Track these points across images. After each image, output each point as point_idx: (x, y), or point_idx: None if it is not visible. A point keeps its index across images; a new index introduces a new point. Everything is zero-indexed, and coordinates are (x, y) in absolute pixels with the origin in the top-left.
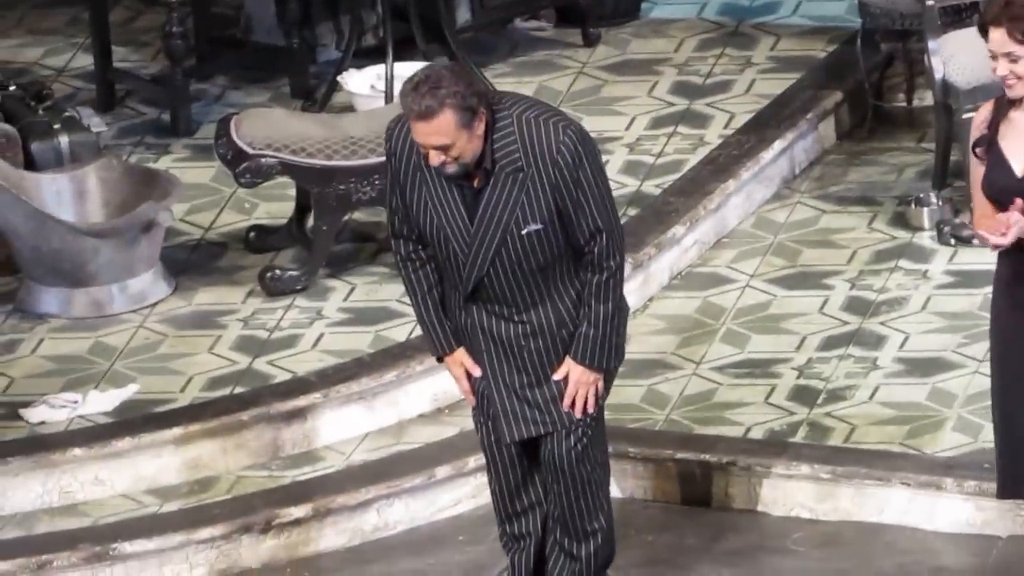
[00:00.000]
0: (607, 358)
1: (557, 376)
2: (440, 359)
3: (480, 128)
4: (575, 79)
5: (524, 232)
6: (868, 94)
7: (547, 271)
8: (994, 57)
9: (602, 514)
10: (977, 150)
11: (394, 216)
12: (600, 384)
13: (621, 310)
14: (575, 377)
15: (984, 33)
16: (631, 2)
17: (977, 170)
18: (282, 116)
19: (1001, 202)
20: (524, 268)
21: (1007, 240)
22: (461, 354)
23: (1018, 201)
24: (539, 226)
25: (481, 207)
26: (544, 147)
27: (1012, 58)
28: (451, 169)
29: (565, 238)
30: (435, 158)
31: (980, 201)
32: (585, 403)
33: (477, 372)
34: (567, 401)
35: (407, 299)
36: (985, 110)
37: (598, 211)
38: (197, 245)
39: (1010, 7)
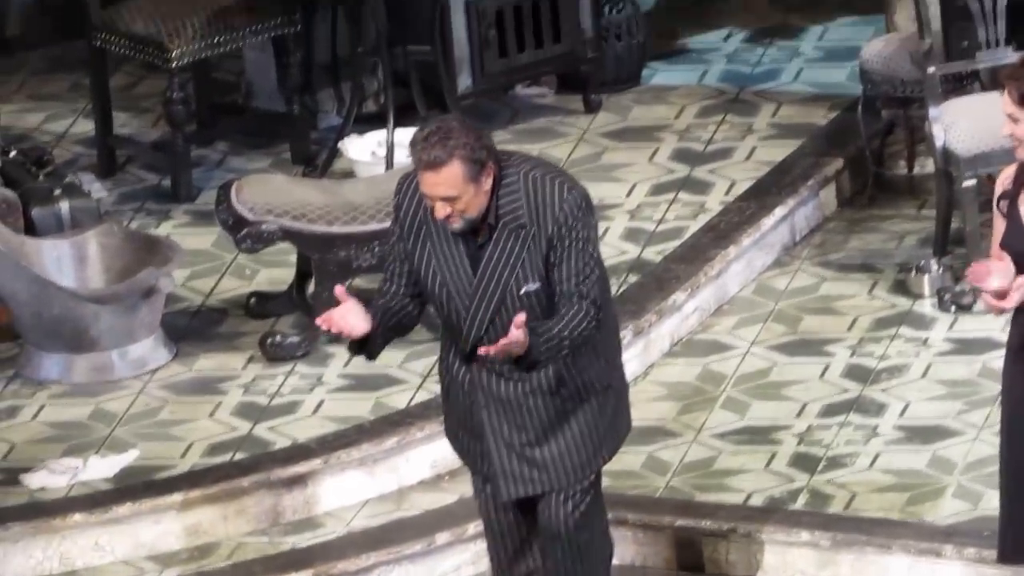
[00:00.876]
0: (544, 351)
1: (512, 333)
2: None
3: (487, 183)
4: (576, 146)
5: (522, 292)
6: (869, 161)
7: None
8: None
9: None
10: (1001, 203)
11: (388, 276)
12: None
13: (572, 337)
14: (515, 336)
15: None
16: (632, 68)
17: (999, 225)
18: (283, 182)
19: (1019, 265)
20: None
21: (1009, 305)
22: (353, 307)
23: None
24: (537, 285)
25: (482, 264)
26: (547, 204)
27: (1014, 119)
28: (456, 224)
29: None
30: (441, 211)
31: (995, 255)
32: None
33: (331, 322)
34: (495, 347)
35: (408, 365)
36: (1012, 167)
37: (581, 273)
38: (198, 311)
39: (1016, 68)
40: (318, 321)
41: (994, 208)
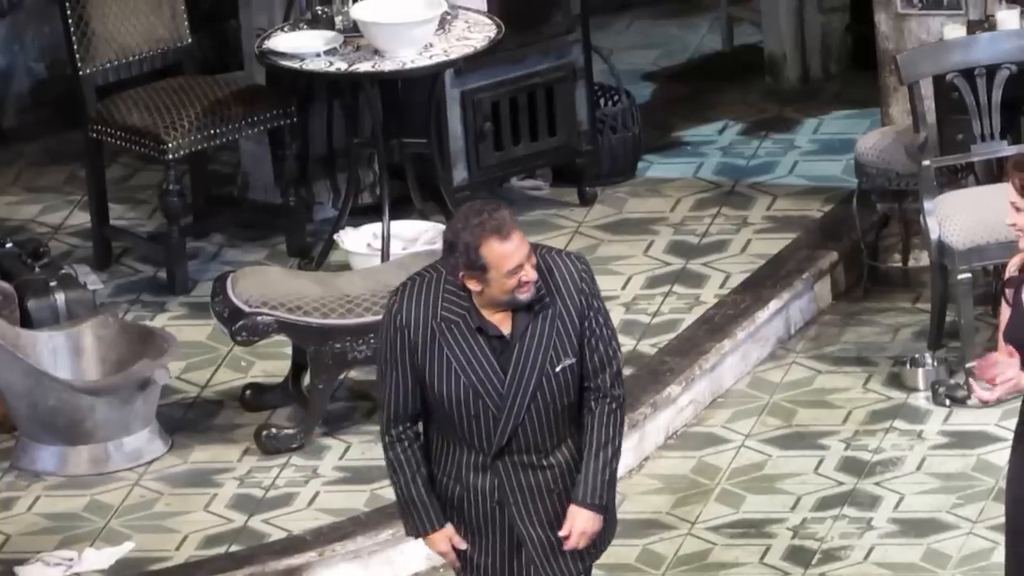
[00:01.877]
0: (610, 496)
1: (564, 531)
2: (422, 535)
3: None
4: (571, 238)
5: (559, 369)
6: (864, 254)
7: (572, 407)
8: None
9: None
10: (1006, 292)
11: (394, 400)
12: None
13: (618, 450)
14: (583, 524)
15: None
16: (627, 161)
17: (1004, 311)
18: (279, 274)
19: (1022, 354)
20: (556, 407)
21: (992, 396)
22: (449, 530)
23: (1013, 355)
24: (572, 360)
25: (516, 352)
26: (567, 278)
27: (1017, 208)
28: (533, 290)
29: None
30: (532, 272)
31: (1000, 345)
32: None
33: (463, 545)
34: (570, 545)
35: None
36: (1020, 256)
37: (610, 339)
38: (193, 403)
39: (1023, 157)
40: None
41: (1001, 297)
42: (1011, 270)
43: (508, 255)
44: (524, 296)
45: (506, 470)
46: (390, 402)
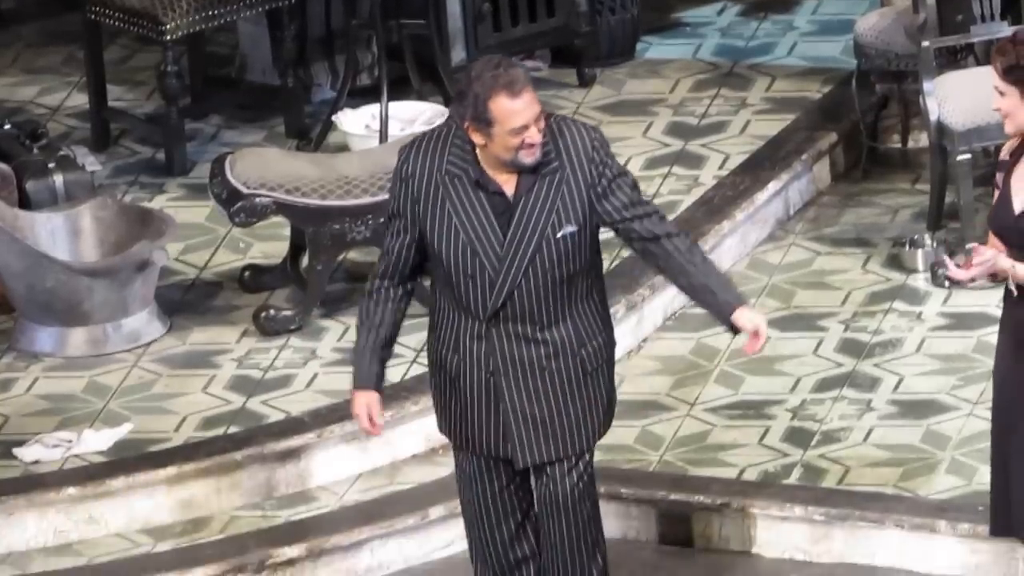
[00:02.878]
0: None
1: (750, 339)
2: (352, 389)
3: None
4: None
5: (559, 235)
6: (863, 136)
7: (573, 282)
8: None
9: (600, 554)
10: (997, 176)
11: (388, 256)
12: None
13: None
14: (754, 319)
15: None
16: (626, 42)
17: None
18: (277, 156)
19: (1002, 237)
20: (554, 277)
21: (965, 276)
22: (372, 397)
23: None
24: (574, 228)
25: (518, 212)
26: (579, 145)
27: (1000, 92)
28: (537, 154)
29: (592, 244)
30: (538, 134)
31: (992, 239)
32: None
33: (377, 429)
34: (762, 342)
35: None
36: (1014, 140)
37: (642, 199)
38: (192, 285)
39: (1008, 41)
40: (373, 433)
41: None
42: (1004, 154)
43: (515, 112)
44: (527, 159)
45: (499, 339)
46: (385, 255)
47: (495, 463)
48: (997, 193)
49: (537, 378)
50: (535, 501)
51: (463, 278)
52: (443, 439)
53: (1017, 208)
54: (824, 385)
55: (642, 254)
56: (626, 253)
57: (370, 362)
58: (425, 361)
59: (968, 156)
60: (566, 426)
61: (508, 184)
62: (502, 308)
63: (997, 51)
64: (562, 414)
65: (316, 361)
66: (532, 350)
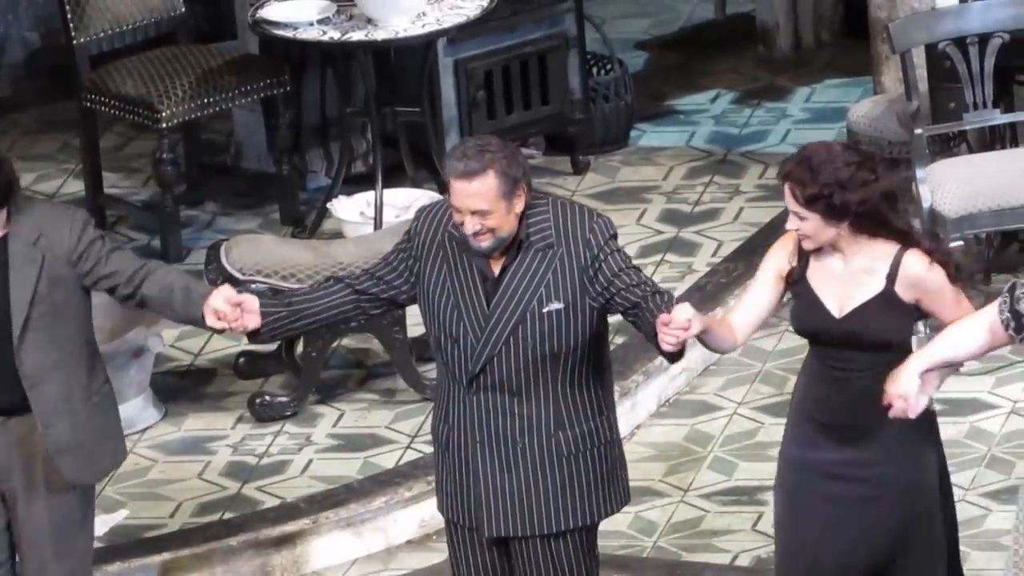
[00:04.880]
0: None
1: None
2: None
3: (519, 205)
4: None
5: (545, 311)
6: None
7: (559, 361)
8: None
9: None
10: (791, 282)
11: (370, 269)
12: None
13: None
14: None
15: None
16: (620, 130)
17: (762, 285)
18: (272, 242)
19: (817, 339)
20: (536, 352)
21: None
22: (229, 291)
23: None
24: (560, 305)
25: (504, 282)
26: (577, 228)
27: (800, 217)
28: (486, 243)
29: (584, 328)
30: (471, 224)
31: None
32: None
33: (235, 302)
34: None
35: (396, 425)
36: (789, 240)
37: (641, 279)
38: (187, 371)
39: (798, 165)
40: (216, 324)
41: (762, 267)
42: (790, 259)
43: (456, 194)
44: (475, 244)
45: (479, 406)
46: (363, 272)
47: (476, 534)
48: (763, 286)
49: (509, 451)
50: None
51: (449, 341)
52: (438, 524)
53: (833, 310)
54: None
55: (636, 327)
56: (619, 340)
57: (272, 302)
58: (418, 448)
59: (960, 243)
60: (537, 504)
61: (499, 256)
62: (482, 374)
63: (789, 176)
64: (530, 491)
65: (311, 447)
66: (507, 422)
